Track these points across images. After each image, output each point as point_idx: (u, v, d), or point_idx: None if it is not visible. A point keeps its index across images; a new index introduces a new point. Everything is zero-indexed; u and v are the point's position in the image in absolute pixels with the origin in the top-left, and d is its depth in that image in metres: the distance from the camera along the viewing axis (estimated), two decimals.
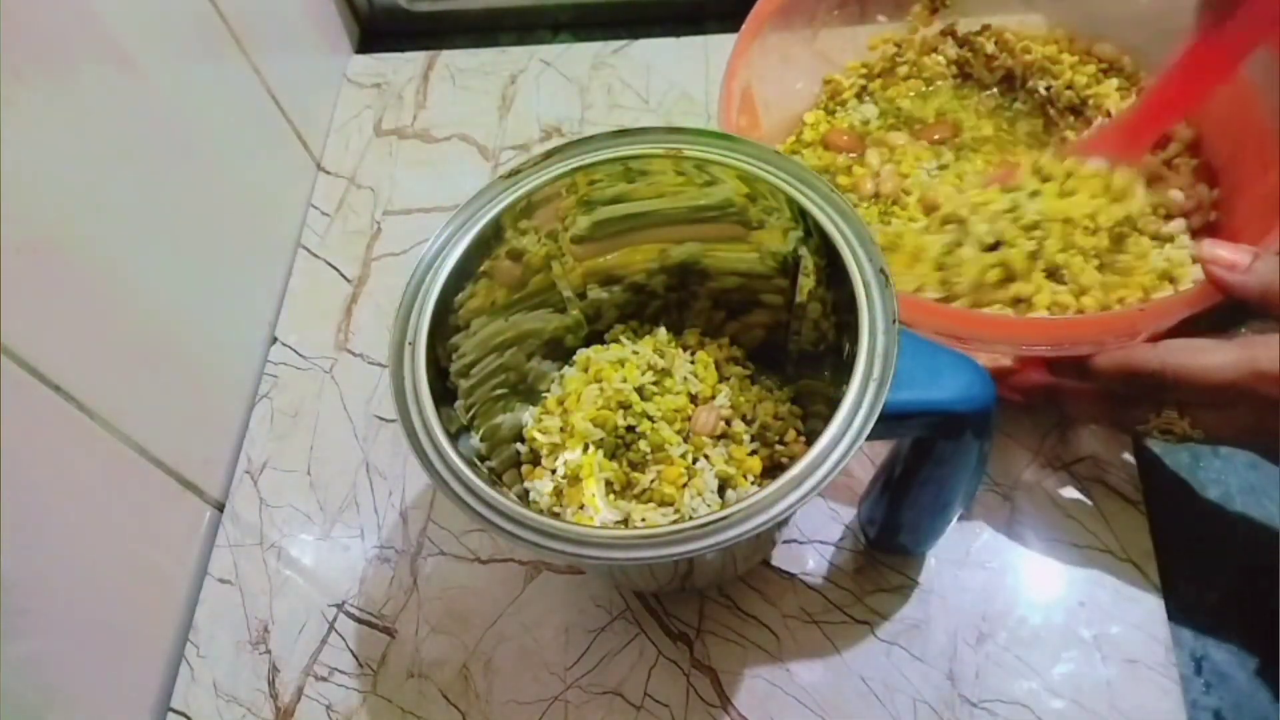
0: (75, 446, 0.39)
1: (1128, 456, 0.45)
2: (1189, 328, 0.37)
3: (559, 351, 0.43)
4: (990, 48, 0.52)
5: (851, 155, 0.50)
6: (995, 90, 0.52)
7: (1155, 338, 0.37)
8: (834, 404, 0.30)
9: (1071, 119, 0.50)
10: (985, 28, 0.53)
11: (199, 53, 0.49)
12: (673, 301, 0.43)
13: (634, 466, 0.39)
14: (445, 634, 0.44)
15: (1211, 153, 0.47)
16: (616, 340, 0.43)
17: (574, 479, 0.39)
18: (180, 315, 0.46)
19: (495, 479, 0.38)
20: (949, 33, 0.53)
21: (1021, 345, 0.38)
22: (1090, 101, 0.50)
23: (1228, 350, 0.35)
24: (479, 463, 0.37)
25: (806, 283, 0.37)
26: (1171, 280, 0.43)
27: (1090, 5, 0.51)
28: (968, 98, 0.52)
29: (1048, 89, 0.51)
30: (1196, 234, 0.45)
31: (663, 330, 0.43)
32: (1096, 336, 0.37)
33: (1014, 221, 0.41)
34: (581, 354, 0.42)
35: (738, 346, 0.43)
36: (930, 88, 0.53)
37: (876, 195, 0.48)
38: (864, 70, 0.53)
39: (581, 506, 0.39)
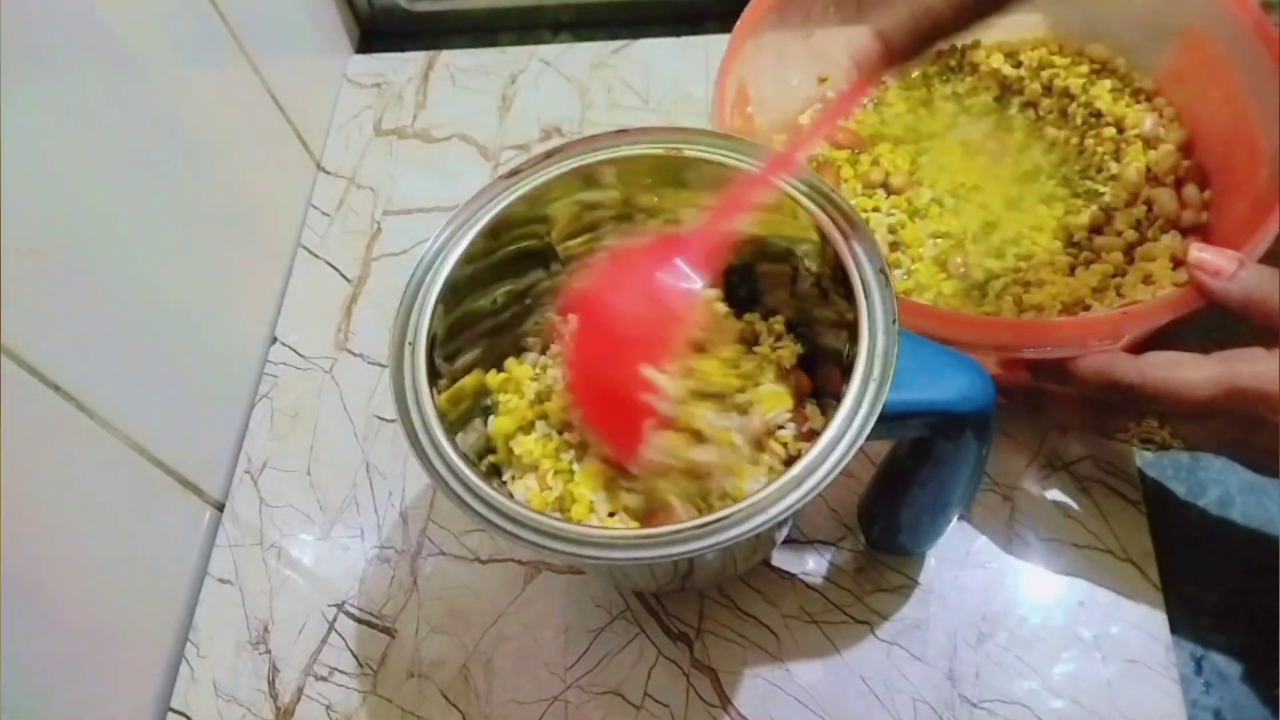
0: (75, 446, 0.39)
1: (1127, 456, 0.45)
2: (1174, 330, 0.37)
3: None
4: (981, 57, 0.53)
5: (855, 152, 0.50)
6: (989, 98, 0.52)
7: (1139, 341, 0.37)
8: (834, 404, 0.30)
9: (1064, 124, 0.50)
10: (976, 43, 0.53)
11: (199, 53, 0.49)
12: None
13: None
14: (445, 634, 0.44)
15: (1204, 154, 0.47)
16: None
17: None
18: (180, 315, 0.46)
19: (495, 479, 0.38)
20: (943, 54, 0.54)
21: (1006, 347, 0.38)
22: (1081, 103, 0.50)
23: (1207, 366, 0.34)
24: (479, 463, 0.37)
25: (806, 282, 0.37)
26: (1147, 280, 0.43)
27: (1087, 4, 0.51)
28: (963, 105, 0.52)
29: (1043, 91, 0.51)
30: (1187, 234, 0.45)
31: None
32: (1080, 339, 0.37)
33: None
34: None
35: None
36: (928, 95, 0.53)
37: (885, 187, 0.48)
38: None
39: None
